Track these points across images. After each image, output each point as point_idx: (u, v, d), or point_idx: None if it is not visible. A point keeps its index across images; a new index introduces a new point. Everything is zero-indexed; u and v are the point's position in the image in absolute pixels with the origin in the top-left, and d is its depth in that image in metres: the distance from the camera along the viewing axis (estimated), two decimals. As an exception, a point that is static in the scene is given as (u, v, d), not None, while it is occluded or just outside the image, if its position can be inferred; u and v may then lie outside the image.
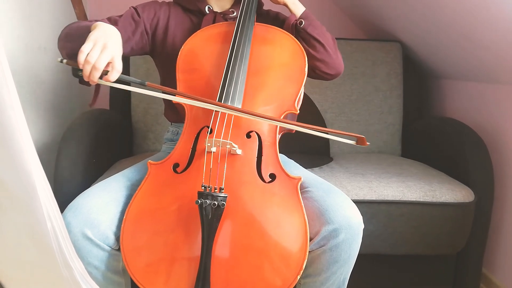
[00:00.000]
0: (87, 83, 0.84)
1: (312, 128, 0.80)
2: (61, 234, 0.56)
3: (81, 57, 0.75)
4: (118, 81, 0.79)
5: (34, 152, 0.51)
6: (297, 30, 1.03)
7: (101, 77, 0.77)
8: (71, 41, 0.87)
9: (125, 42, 0.98)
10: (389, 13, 1.64)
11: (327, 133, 0.81)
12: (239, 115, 0.83)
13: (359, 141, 0.79)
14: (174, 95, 0.85)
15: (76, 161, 1.16)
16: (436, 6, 1.33)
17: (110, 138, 1.42)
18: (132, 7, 1.05)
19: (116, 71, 0.78)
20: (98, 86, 0.86)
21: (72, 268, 0.59)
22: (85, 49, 0.75)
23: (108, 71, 0.77)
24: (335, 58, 1.05)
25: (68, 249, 0.58)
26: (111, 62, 0.77)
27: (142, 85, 0.80)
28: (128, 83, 0.81)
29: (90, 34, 0.79)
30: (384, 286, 1.35)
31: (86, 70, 0.75)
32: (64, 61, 0.80)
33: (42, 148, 1.37)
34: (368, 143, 0.78)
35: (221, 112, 0.86)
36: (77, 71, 0.77)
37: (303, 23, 1.01)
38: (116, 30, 0.85)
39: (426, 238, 1.24)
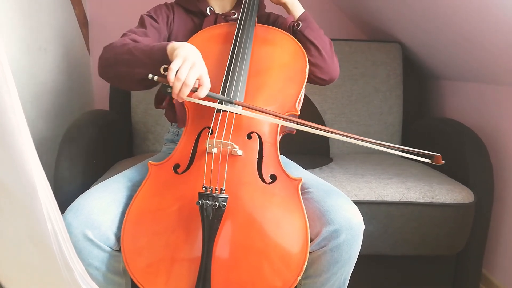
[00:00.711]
0: (164, 106, 0.83)
1: (385, 145, 0.78)
2: (61, 235, 0.56)
3: (171, 74, 0.75)
4: (205, 97, 0.79)
5: (34, 152, 0.50)
6: (294, 31, 1.02)
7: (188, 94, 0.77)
8: (141, 66, 0.84)
9: None
10: (389, 14, 1.64)
11: (400, 150, 0.80)
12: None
13: (435, 159, 0.79)
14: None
15: (76, 162, 1.16)
16: (436, 7, 1.33)
17: (110, 139, 1.42)
18: (146, 14, 1.04)
19: (206, 87, 0.78)
20: (182, 108, 0.88)
21: (72, 269, 0.59)
22: (174, 66, 0.76)
23: (196, 88, 0.78)
24: (330, 63, 1.02)
25: (69, 250, 0.58)
26: (199, 79, 0.78)
27: (229, 102, 0.81)
28: (215, 100, 0.81)
29: (177, 51, 0.79)
30: (384, 287, 1.35)
31: (176, 87, 0.76)
32: (155, 77, 0.79)
33: (43, 148, 1.37)
34: (443, 161, 0.79)
35: (222, 112, 0.86)
36: (166, 88, 0.78)
37: (301, 25, 1.01)
38: (196, 48, 0.83)
39: (426, 238, 1.24)
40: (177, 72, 0.75)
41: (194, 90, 0.78)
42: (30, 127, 0.49)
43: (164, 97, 0.99)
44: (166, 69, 0.79)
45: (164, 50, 0.82)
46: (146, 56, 0.84)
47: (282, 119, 0.83)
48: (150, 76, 0.79)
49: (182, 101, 0.79)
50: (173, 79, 0.75)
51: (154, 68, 0.80)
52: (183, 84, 0.76)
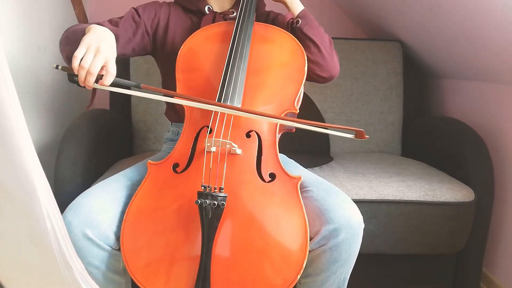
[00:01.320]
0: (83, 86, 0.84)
1: (310, 123, 0.79)
2: (61, 234, 0.56)
3: (75, 63, 0.74)
4: (113, 84, 0.78)
5: (33, 152, 0.50)
6: (293, 29, 1.01)
7: (96, 81, 0.76)
8: (69, 44, 0.88)
9: (126, 43, 0.98)
10: (389, 12, 1.64)
11: (325, 128, 0.80)
12: (238, 114, 0.82)
13: (358, 134, 0.77)
14: (172, 97, 0.85)
15: (76, 161, 1.16)
16: (436, 5, 1.32)
17: (110, 138, 1.42)
18: (133, 8, 1.05)
19: (110, 75, 0.77)
20: (94, 89, 0.87)
21: (72, 268, 0.59)
22: (78, 54, 0.75)
23: (102, 75, 0.77)
24: (330, 61, 1.01)
25: (68, 249, 0.58)
26: (105, 66, 0.77)
27: (137, 87, 0.80)
28: (123, 86, 0.80)
29: (83, 38, 0.78)
30: (384, 286, 1.35)
31: (81, 76, 0.75)
32: (60, 67, 0.79)
33: (43, 148, 1.37)
34: (367, 136, 0.77)
35: (220, 112, 0.86)
36: (72, 77, 0.77)
37: (300, 22, 1.00)
38: (110, 32, 0.84)
39: (426, 237, 1.24)
40: (81, 60, 0.75)
41: (101, 77, 0.76)
42: (30, 127, 0.49)
43: None
44: None
45: (83, 32, 0.84)
46: (74, 35, 0.87)
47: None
48: (54, 65, 0.80)
49: (90, 89, 0.78)
50: (77, 67, 0.74)
51: (76, 47, 0.79)
52: (87, 72, 0.74)
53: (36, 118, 1.36)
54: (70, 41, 0.88)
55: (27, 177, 0.50)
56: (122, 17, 1.02)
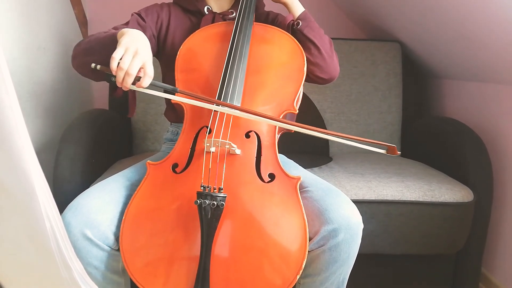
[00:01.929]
0: (118, 94, 0.84)
1: (340, 135, 0.79)
2: (59, 234, 0.56)
3: (114, 64, 0.75)
4: (150, 87, 0.79)
5: (32, 152, 0.50)
6: (293, 31, 1.01)
7: (133, 83, 0.77)
8: (95, 54, 0.86)
9: None
10: (389, 12, 1.64)
11: (357, 142, 0.80)
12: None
13: (389, 150, 0.78)
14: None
15: (76, 161, 1.16)
16: (436, 5, 1.33)
17: (109, 138, 1.42)
18: (135, 13, 1.04)
19: (148, 76, 0.77)
20: (133, 95, 0.86)
21: (71, 268, 0.59)
22: (116, 55, 0.75)
23: (140, 77, 0.77)
24: (330, 62, 1.01)
25: (67, 249, 0.58)
26: (142, 68, 0.77)
27: (173, 91, 0.81)
28: (159, 89, 0.81)
29: (120, 39, 0.78)
30: (383, 286, 1.35)
31: (119, 77, 0.75)
32: (98, 67, 0.79)
33: (42, 148, 1.37)
34: (399, 152, 0.78)
35: (220, 111, 0.86)
36: (110, 77, 0.77)
37: (300, 24, 1.00)
38: (144, 35, 0.84)
39: (425, 237, 1.24)
40: (120, 61, 0.75)
41: (138, 79, 0.77)
42: (29, 127, 0.49)
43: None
44: None
45: (114, 37, 0.83)
46: (100, 43, 0.86)
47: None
48: (93, 65, 0.79)
49: (127, 90, 0.79)
50: (115, 68, 0.75)
51: (106, 54, 0.79)
52: (126, 73, 0.75)
53: (35, 118, 1.36)
54: (95, 51, 0.86)
55: (26, 177, 0.50)
56: (127, 23, 1.01)
